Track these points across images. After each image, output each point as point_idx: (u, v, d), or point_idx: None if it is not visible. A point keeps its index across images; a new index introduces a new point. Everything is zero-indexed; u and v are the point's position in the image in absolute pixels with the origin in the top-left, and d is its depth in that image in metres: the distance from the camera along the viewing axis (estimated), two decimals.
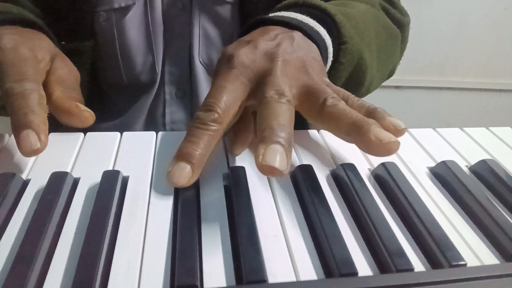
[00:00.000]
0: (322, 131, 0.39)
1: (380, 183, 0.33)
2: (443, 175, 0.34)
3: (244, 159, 0.35)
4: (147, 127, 0.57)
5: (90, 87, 0.55)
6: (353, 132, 0.31)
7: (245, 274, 0.24)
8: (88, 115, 0.37)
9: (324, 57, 0.40)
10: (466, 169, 0.35)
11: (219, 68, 0.35)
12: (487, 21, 1.54)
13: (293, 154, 0.36)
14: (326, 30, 0.41)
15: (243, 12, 0.53)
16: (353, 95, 0.35)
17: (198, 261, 0.24)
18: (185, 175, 0.30)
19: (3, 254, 0.25)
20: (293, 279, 0.24)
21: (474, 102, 1.71)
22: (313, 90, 0.34)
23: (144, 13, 0.52)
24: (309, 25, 0.40)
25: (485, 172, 0.34)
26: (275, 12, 0.44)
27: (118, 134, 0.37)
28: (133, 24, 0.52)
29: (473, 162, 0.36)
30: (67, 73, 0.39)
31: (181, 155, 0.30)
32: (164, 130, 0.57)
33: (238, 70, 0.34)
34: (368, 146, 0.30)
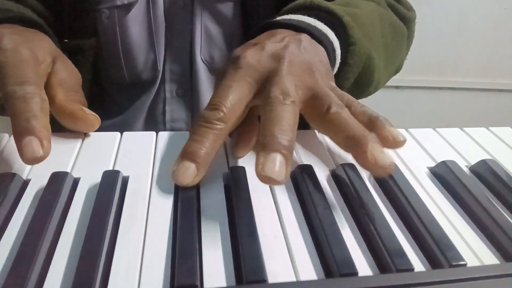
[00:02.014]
0: None
1: (380, 183, 0.33)
2: (443, 175, 0.34)
3: (244, 159, 0.35)
4: (147, 125, 0.57)
5: (91, 85, 0.55)
6: (352, 145, 0.31)
7: (245, 274, 0.24)
8: (94, 119, 0.36)
9: (332, 60, 0.40)
10: (466, 169, 0.35)
11: (226, 70, 0.35)
12: (487, 21, 1.54)
13: (294, 154, 0.36)
14: (334, 32, 0.41)
15: (244, 10, 0.53)
16: (357, 101, 0.34)
17: (198, 261, 0.24)
18: (189, 174, 0.29)
19: (3, 254, 0.25)
20: (293, 279, 0.24)
21: (474, 102, 1.71)
22: (318, 94, 0.33)
23: (146, 11, 0.52)
24: (317, 28, 0.40)
25: (485, 172, 0.34)
26: (282, 15, 0.43)
27: (118, 134, 0.37)
28: (135, 22, 0.52)
29: (473, 162, 0.36)
30: (69, 75, 0.38)
31: (186, 154, 0.30)
32: (164, 128, 0.57)
33: (243, 70, 0.33)
34: (364, 162, 0.30)
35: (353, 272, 0.24)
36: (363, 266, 0.26)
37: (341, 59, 0.43)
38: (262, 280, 0.23)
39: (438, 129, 0.41)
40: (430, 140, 0.39)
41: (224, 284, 0.24)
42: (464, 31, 1.56)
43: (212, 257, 0.25)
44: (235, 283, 0.24)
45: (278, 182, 0.27)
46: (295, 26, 0.39)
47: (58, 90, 0.36)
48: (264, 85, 0.33)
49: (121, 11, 0.51)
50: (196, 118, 0.32)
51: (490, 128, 0.42)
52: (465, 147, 0.39)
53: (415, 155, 0.37)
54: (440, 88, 1.67)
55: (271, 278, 0.24)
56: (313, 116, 0.34)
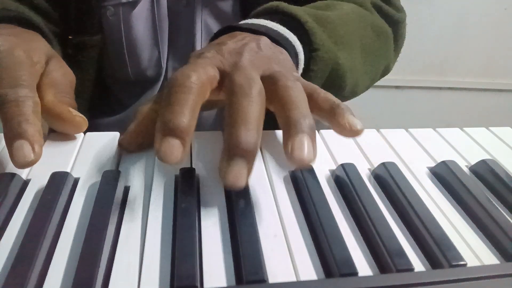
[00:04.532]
0: (322, 131, 0.39)
1: (380, 183, 0.33)
2: (443, 175, 0.34)
3: None
4: None
5: (96, 82, 0.55)
6: (286, 129, 0.29)
7: (245, 274, 0.24)
8: (81, 121, 0.35)
9: (295, 63, 0.40)
10: (466, 169, 0.35)
11: (188, 61, 0.34)
12: (487, 21, 1.55)
13: None
14: (297, 37, 0.41)
15: (244, 7, 0.53)
16: (322, 90, 0.33)
17: (198, 261, 0.24)
18: (177, 152, 0.27)
19: (3, 254, 0.25)
20: (293, 279, 0.24)
21: (474, 102, 1.71)
22: (275, 74, 0.32)
23: (150, 8, 0.53)
24: (277, 32, 0.40)
25: (485, 172, 0.34)
26: (249, 19, 0.43)
27: (118, 134, 0.37)
28: (140, 19, 0.52)
29: (473, 162, 0.36)
30: (61, 76, 0.38)
31: (168, 130, 0.27)
32: None
33: (207, 59, 0.33)
34: (285, 147, 0.28)
35: (353, 272, 0.24)
36: (363, 266, 0.26)
37: (304, 64, 0.42)
38: (262, 280, 0.23)
39: (438, 129, 0.41)
40: (430, 140, 0.39)
41: (224, 284, 0.24)
42: (464, 31, 1.56)
43: (212, 257, 0.25)
44: (235, 283, 0.24)
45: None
46: (255, 31, 0.38)
47: (48, 91, 0.36)
48: (227, 78, 0.32)
49: (126, 8, 0.52)
50: (166, 85, 0.30)
51: (490, 128, 0.42)
52: (465, 147, 0.39)
53: (415, 155, 0.37)
54: (440, 88, 1.67)
55: (271, 278, 0.24)
56: (267, 96, 0.32)
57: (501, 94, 1.70)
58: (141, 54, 0.54)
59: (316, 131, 0.38)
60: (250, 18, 0.43)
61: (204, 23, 0.54)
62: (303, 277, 0.25)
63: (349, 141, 0.38)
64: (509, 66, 1.64)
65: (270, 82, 0.32)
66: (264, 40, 0.37)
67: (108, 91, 0.59)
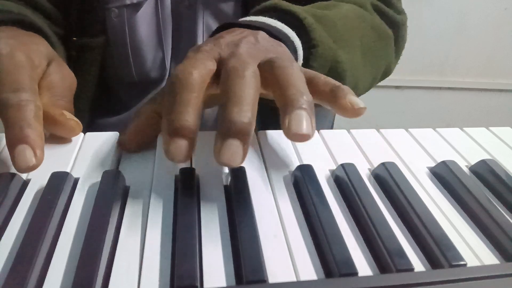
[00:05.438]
0: (322, 131, 0.39)
1: (380, 183, 0.33)
2: (443, 175, 0.34)
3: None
4: None
5: (98, 83, 0.55)
6: (283, 107, 0.29)
7: (245, 274, 0.24)
8: (74, 125, 0.35)
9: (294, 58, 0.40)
10: (466, 169, 0.35)
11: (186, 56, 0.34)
12: (487, 21, 1.55)
13: (294, 154, 0.36)
14: (296, 33, 0.41)
15: (246, 9, 0.53)
16: (322, 75, 0.34)
17: (198, 261, 0.24)
18: (184, 151, 0.28)
19: (3, 254, 0.25)
20: (293, 279, 0.24)
21: (474, 102, 1.71)
22: (273, 59, 0.32)
23: (155, 10, 0.53)
24: (276, 27, 0.40)
25: (485, 172, 0.34)
26: (247, 17, 0.43)
27: (118, 134, 0.37)
28: (144, 21, 0.52)
29: (473, 162, 0.36)
30: (60, 79, 0.38)
31: (175, 130, 0.28)
32: None
33: (204, 52, 0.33)
34: (283, 123, 0.29)
35: (353, 272, 0.24)
36: (363, 266, 0.26)
37: (303, 60, 0.42)
38: (262, 280, 0.23)
39: (438, 129, 0.41)
40: (430, 140, 0.39)
41: (224, 284, 0.24)
42: (464, 31, 1.56)
43: (212, 257, 0.25)
44: (235, 283, 0.24)
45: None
46: (253, 26, 0.39)
47: (44, 94, 0.36)
48: (223, 68, 0.32)
49: (130, 10, 0.52)
50: (167, 83, 0.31)
51: (490, 128, 0.42)
52: (465, 147, 0.39)
53: (415, 155, 0.37)
54: (440, 88, 1.67)
55: (271, 278, 0.24)
56: (265, 81, 0.32)
57: (501, 94, 1.70)
58: (145, 56, 0.54)
59: (316, 131, 0.39)
60: (249, 16, 0.43)
61: (206, 25, 0.54)
62: (303, 277, 0.25)
63: (349, 141, 0.38)
64: (509, 66, 1.64)
65: (267, 67, 0.32)
66: (262, 34, 0.37)
67: (110, 92, 0.59)
